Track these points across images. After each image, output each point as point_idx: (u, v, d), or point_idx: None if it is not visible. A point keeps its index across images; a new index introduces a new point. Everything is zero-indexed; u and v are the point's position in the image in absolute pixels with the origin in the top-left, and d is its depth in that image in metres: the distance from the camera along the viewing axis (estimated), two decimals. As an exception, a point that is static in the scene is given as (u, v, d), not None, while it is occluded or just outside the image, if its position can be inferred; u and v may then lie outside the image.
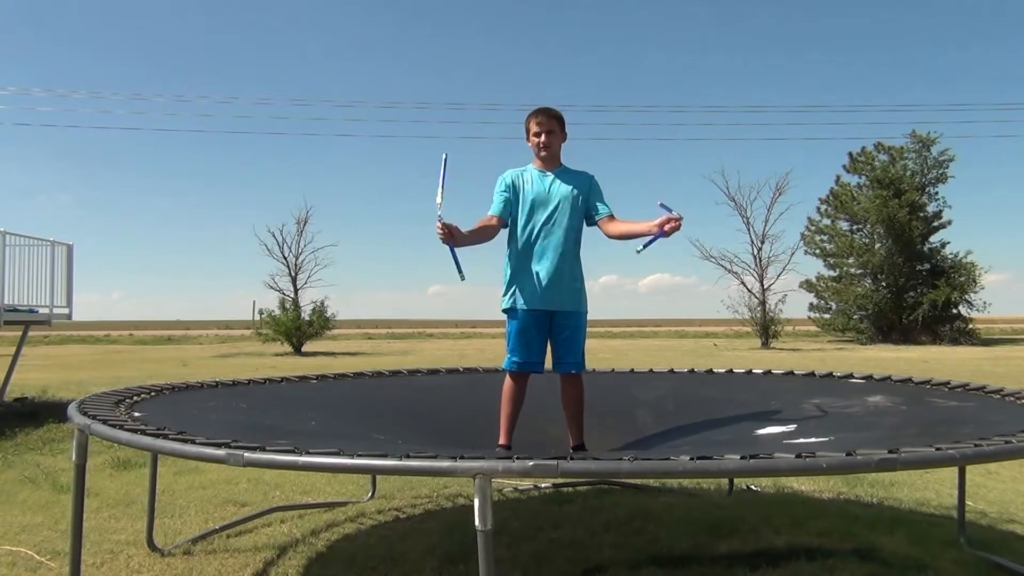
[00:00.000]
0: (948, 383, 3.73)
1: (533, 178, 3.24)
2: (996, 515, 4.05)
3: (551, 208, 3.17)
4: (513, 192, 3.22)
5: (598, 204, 3.23)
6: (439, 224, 2.90)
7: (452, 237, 2.93)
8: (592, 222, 3.24)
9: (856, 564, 3.11)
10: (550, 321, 3.18)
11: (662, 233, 2.95)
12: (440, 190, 2.93)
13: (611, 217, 3.20)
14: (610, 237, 3.19)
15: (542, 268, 3.13)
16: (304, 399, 3.94)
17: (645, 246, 3.05)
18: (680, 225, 2.93)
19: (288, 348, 25.69)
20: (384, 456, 2.01)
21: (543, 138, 3.21)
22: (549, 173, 3.24)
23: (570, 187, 3.20)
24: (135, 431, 2.41)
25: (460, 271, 3.01)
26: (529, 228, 3.17)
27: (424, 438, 3.21)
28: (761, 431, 3.20)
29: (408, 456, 1.99)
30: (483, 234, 3.16)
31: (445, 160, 2.97)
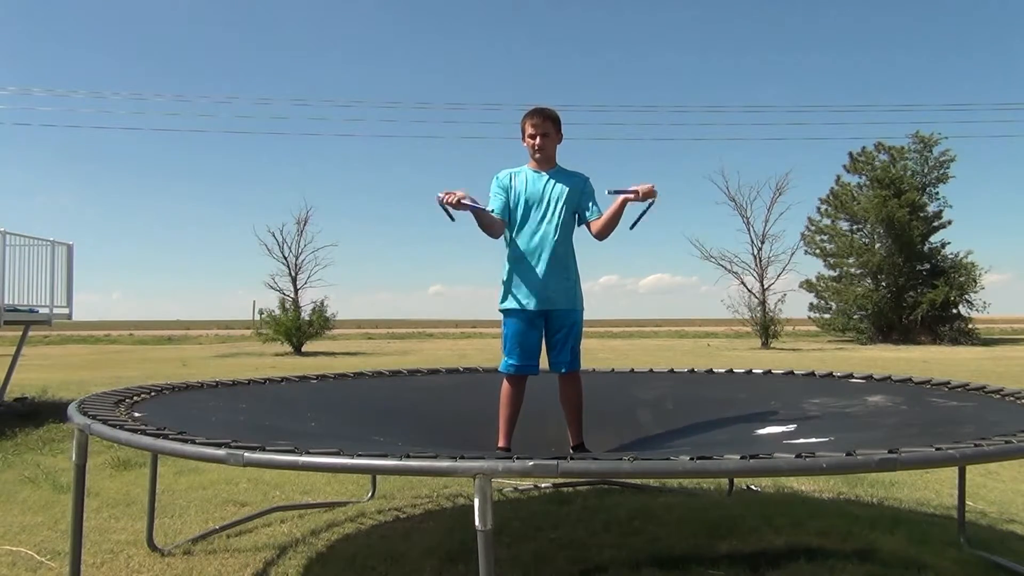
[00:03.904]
0: (948, 383, 3.73)
1: (528, 178, 3.24)
2: (996, 515, 4.05)
3: (545, 208, 3.17)
4: (507, 192, 3.23)
5: (591, 206, 3.23)
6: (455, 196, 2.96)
7: (459, 203, 2.98)
8: (581, 223, 3.25)
9: (856, 564, 3.10)
10: (546, 321, 3.18)
11: (637, 197, 3.03)
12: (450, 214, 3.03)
13: (599, 219, 3.19)
14: (597, 237, 3.21)
15: (536, 268, 3.13)
16: (304, 399, 3.94)
17: (637, 221, 3.12)
18: (651, 188, 3.01)
19: (288, 348, 25.68)
20: (384, 456, 2.01)
21: (537, 140, 3.21)
22: (544, 173, 3.24)
23: (564, 188, 3.20)
24: (135, 431, 2.41)
25: (450, 216, 3.04)
26: (523, 228, 3.17)
27: (424, 438, 3.21)
28: (761, 431, 3.20)
29: (408, 456, 1.99)
30: (490, 223, 3.15)
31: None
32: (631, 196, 3.04)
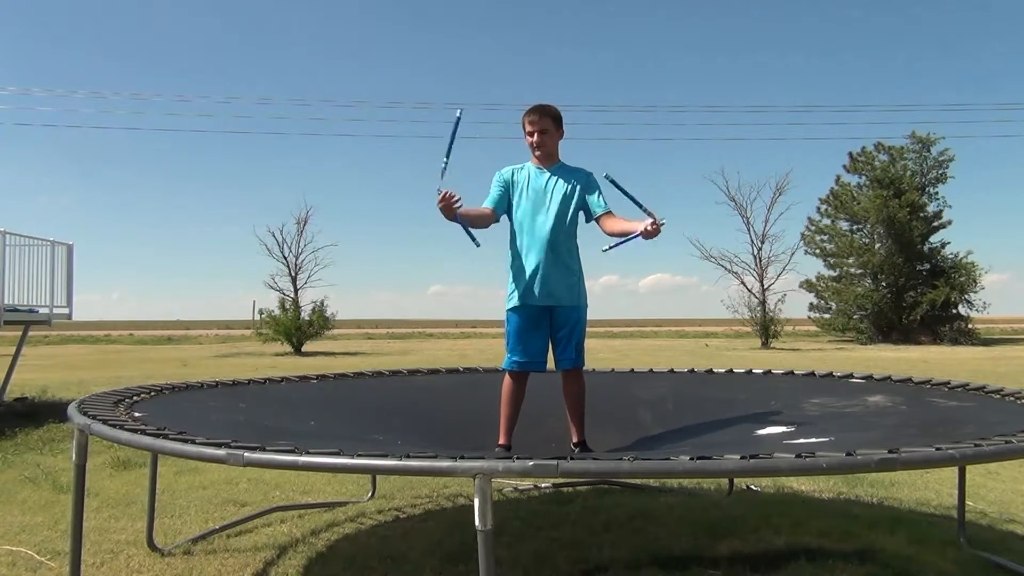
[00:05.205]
0: (948, 383, 3.73)
1: (530, 175, 3.24)
2: (996, 515, 4.05)
3: (547, 205, 3.17)
4: (510, 188, 3.23)
5: (596, 201, 3.23)
6: (444, 196, 2.93)
7: (452, 212, 2.95)
8: (590, 219, 3.25)
9: (856, 564, 3.10)
10: (549, 318, 3.18)
11: (640, 235, 3.00)
12: (448, 152, 2.99)
13: (609, 214, 3.21)
14: (608, 234, 3.20)
15: (539, 264, 3.13)
16: (304, 399, 3.94)
17: (612, 247, 3.13)
18: (659, 230, 2.96)
19: (288, 348, 25.68)
20: (384, 456, 2.01)
21: (536, 137, 3.22)
22: (546, 170, 3.25)
23: (567, 184, 3.21)
24: (135, 431, 2.41)
25: (474, 240, 3.12)
26: (526, 225, 3.18)
27: (424, 438, 3.21)
28: (761, 431, 3.20)
29: (408, 456, 1.99)
30: (480, 220, 3.18)
31: (458, 119, 3.03)
32: (645, 230, 2.99)
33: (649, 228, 2.97)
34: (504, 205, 3.24)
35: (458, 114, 3.04)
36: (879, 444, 2.12)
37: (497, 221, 3.25)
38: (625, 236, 3.08)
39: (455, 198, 2.93)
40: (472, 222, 3.13)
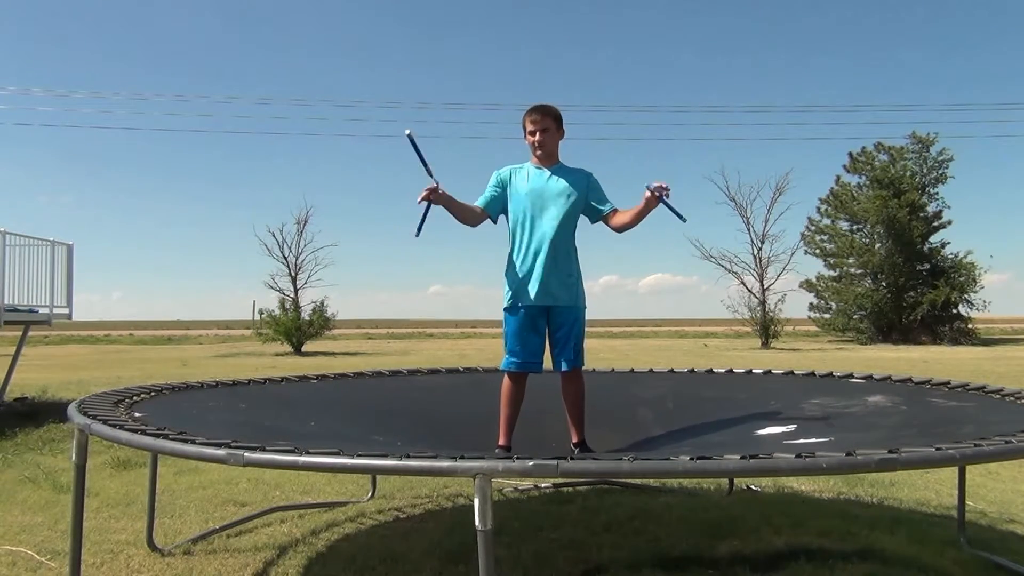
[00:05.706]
0: (948, 383, 3.73)
1: (530, 175, 3.24)
2: (996, 515, 4.05)
3: (547, 205, 3.17)
4: (507, 188, 3.23)
5: (602, 200, 3.23)
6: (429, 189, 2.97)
7: (435, 195, 2.99)
8: (597, 219, 3.24)
9: (856, 564, 3.10)
10: (547, 318, 3.18)
11: (663, 199, 2.96)
12: (426, 166, 3.01)
13: (615, 210, 3.21)
14: (617, 230, 3.19)
15: (537, 265, 3.13)
16: (304, 399, 3.94)
17: (678, 215, 3.00)
18: (664, 185, 2.96)
19: (288, 348, 25.69)
20: (384, 456, 2.01)
21: (537, 136, 3.21)
22: (546, 170, 3.24)
23: (567, 184, 3.20)
24: (135, 431, 2.41)
25: (420, 227, 3.05)
26: (524, 225, 3.17)
27: (424, 438, 3.21)
28: (761, 431, 3.20)
29: (408, 456, 1.99)
30: (467, 214, 3.18)
31: (411, 138, 3.00)
32: (663, 197, 2.96)
33: (665, 194, 2.95)
34: (497, 206, 3.23)
35: (408, 135, 3.02)
36: (879, 444, 2.12)
37: (492, 220, 3.25)
38: (644, 213, 3.06)
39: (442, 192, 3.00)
40: (455, 211, 3.12)
